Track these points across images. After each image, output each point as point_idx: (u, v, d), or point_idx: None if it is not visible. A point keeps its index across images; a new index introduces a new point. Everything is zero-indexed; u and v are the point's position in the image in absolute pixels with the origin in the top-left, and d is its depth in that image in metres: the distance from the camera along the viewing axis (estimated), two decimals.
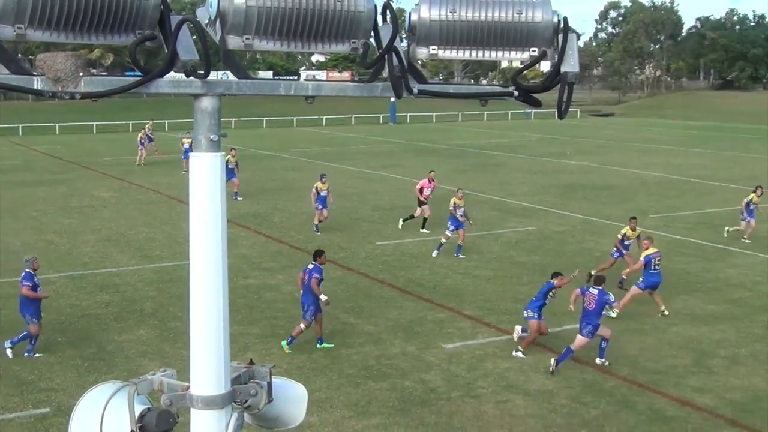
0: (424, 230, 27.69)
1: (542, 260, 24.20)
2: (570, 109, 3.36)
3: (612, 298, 15.99)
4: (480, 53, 3.32)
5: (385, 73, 3.23)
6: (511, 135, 69.16)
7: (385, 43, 3.19)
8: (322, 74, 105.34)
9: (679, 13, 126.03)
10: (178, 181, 36.05)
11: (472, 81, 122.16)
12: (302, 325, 16.70)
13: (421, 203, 28.27)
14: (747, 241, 26.41)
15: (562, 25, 3.29)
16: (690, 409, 14.00)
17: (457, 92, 3.53)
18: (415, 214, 28.35)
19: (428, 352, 16.68)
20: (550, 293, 16.63)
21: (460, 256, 24.41)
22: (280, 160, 50.26)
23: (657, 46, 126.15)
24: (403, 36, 3.36)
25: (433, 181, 28.88)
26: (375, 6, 3.21)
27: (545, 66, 3.50)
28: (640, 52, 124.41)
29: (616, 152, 54.98)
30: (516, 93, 3.41)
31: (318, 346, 16.97)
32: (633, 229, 21.65)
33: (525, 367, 15.82)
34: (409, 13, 3.26)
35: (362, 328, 18.20)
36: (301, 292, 16.96)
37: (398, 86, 3.22)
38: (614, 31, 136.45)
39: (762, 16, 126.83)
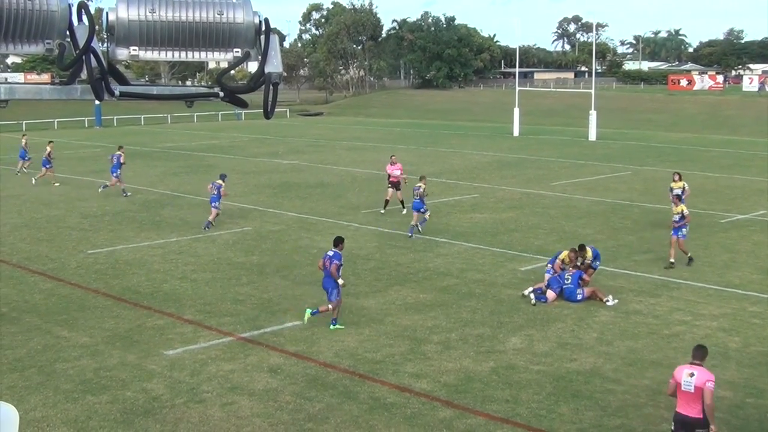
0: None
1: (260, 260, 24.35)
2: (279, 109, 3.44)
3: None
4: (183, 54, 3.27)
5: (84, 75, 3.11)
6: (222, 136, 68.87)
7: (81, 43, 3.07)
8: (19, 76, 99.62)
9: (378, 15, 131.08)
10: None
11: (180, 82, 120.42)
12: (330, 306, 18.07)
13: (392, 186, 31.51)
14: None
15: (263, 26, 3.32)
16: (408, 395, 14.60)
17: (161, 94, 3.46)
18: (387, 197, 31.53)
19: (149, 360, 16.27)
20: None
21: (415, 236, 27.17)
22: None
23: (359, 47, 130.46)
24: (104, 36, 3.26)
25: (395, 163, 32.19)
26: (69, 5, 3.08)
27: (253, 67, 3.52)
28: (344, 53, 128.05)
29: (327, 151, 56.33)
30: (222, 94, 3.40)
31: (331, 327, 17.99)
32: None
33: (249, 367, 15.84)
34: (106, 13, 3.16)
35: (77, 340, 17.42)
36: (323, 276, 18.26)
37: (98, 88, 3.11)
38: (318, 33, 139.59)
39: (452, 19, 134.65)
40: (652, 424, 13.38)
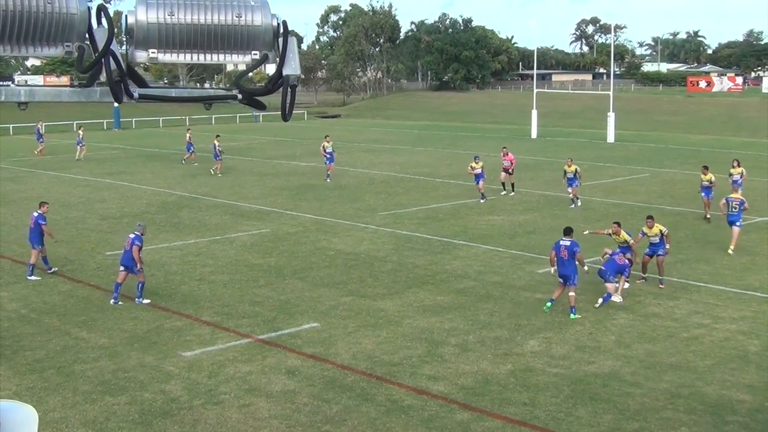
0: (513, 193, 36.62)
1: (278, 261, 24.38)
2: (297, 111, 3.44)
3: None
4: (201, 56, 3.28)
5: (103, 78, 3.12)
6: (240, 138, 68.97)
7: (101, 46, 3.08)
8: (38, 79, 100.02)
9: (396, 18, 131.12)
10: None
11: (198, 84, 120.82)
12: (572, 293, 18.94)
13: (505, 171, 37.06)
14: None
15: (282, 28, 3.33)
16: (426, 397, 14.58)
17: (179, 96, 3.47)
18: (502, 180, 37.14)
19: (167, 362, 16.32)
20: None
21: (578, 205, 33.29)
22: None
23: (377, 49, 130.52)
24: (123, 39, 3.27)
25: (507, 154, 37.12)
26: (89, 8, 3.09)
27: (271, 69, 3.52)
28: (362, 55, 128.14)
29: (344, 153, 56.21)
30: (240, 96, 3.41)
31: (572, 316, 18.78)
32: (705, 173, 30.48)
33: (267, 369, 15.86)
34: (125, 16, 3.17)
35: (96, 341, 17.51)
36: (558, 265, 19.26)
37: (117, 91, 3.12)
38: (336, 35, 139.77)
39: (470, 20, 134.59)
40: (671, 428, 13.30)
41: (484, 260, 24.45)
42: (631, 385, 15.00)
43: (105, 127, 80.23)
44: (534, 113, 71.19)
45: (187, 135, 51.65)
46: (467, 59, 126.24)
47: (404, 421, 13.61)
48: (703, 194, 31.08)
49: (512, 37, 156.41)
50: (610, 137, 65.26)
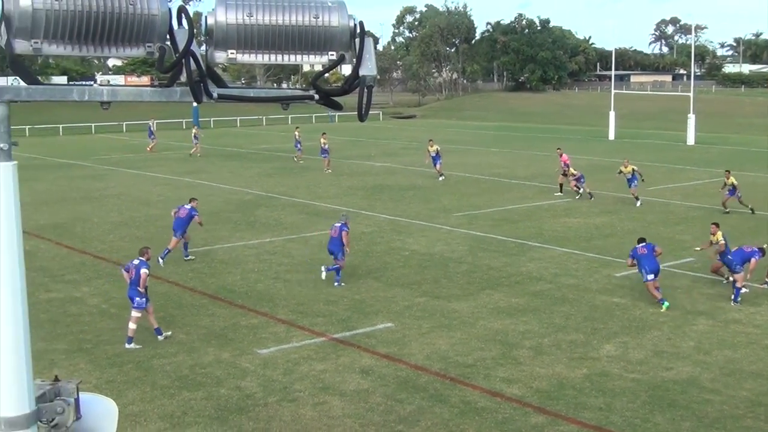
0: (561, 193, 36.66)
1: (352, 261, 24.44)
2: (372, 112, 3.42)
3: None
4: (279, 57, 3.31)
5: (183, 78, 3.17)
6: (316, 138, 69.24)
7: (181, 47, 3.13)
8: (119, 79, 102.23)
9: (471, 18, 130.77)
10: None
11: (275, 84, 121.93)
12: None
13: (564, 174, 37.01)
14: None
15: (358, 29, 3.34)
16: (500, 400, 14.50)
17: (257, 96, 3.50)
18: (560, 181, 37.26)
19: (243, 359, 16.53)
20: None
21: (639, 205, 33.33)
22: (80, 168, 48.44)
23: (453, 50, 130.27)
24: (202, 40, 3.32)
25: (562, 155, 37.78)
26: (170, 9, 3.14)
27: (347, 69, 3.53)
28: (437, 56, 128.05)
29: (419, 153, 56.16)
30: (317, 96, 3.42)
31: (664, 305, 19.46)
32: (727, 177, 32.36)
33: (341, 368, 15.95)
34: (205, 17, 3.22)
35: (174, 337, 17.82)
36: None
37: (197, 91, 3.16)
38: (411, 36, 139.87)
39: (547, 21, 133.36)
40: None
41: (559, 263, 24.19)
42: (710, 392, 14.69)
43: (184, 127, 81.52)
44: (612, 114, 70.24)
45: (296, 133, 52.90)
46: (544, 60, 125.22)
47: (478, 423, 13.55)
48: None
49: (590, 37, 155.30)
50: (690, 139, 64.02)
